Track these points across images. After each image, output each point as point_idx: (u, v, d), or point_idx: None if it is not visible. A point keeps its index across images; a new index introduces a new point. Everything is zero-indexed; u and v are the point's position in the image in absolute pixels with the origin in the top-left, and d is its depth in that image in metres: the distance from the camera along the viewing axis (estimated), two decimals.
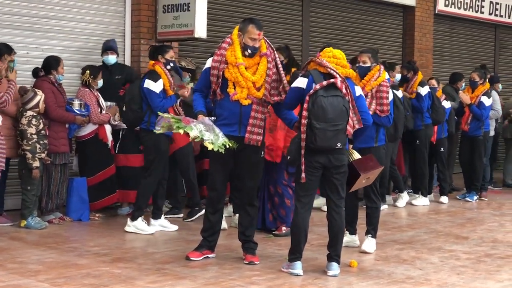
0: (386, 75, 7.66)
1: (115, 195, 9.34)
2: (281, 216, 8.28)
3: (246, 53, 6.68)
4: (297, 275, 6.33)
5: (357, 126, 6.51)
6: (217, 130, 6.47)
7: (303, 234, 6.42)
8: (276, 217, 8.32)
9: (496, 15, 16.60)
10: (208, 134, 6.42)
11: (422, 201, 11.15)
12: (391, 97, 7.60)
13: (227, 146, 6.46)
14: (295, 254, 6.42)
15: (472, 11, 15.99)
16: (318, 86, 6.22)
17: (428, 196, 11.40)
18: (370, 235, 7.56)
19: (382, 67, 7.62)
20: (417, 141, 11.03)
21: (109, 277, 6.13)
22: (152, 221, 8.44)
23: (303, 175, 6.32)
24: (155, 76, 8.21)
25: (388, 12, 14.70)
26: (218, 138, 6.44)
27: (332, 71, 6.36)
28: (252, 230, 7.05)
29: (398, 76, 11.62)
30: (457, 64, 15.39)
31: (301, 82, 6.42)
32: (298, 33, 12.88)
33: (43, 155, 8.29)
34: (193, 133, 6.40)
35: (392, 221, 9.53)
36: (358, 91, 6.71)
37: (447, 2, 15.36)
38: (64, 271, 6.27)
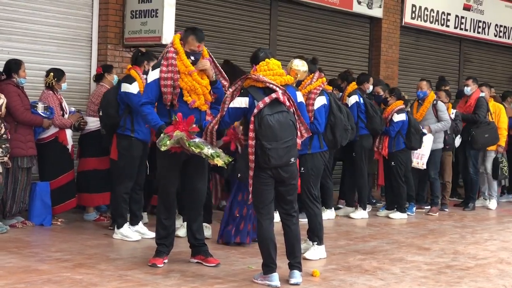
0: (318, 83, 7.54)
1: (74, 199, 9.27)
2: None
3: (189, 61, 6.73)
4: (276, 287, 6.25)
5: (305, 135, 6.50)
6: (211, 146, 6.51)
7: (271, 244, 6.30)
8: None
9: (461, 29, 16.80)
10: (215, 151, 6.43)
11: (360, 214, 10.75)
12: (318, 104, 7.46)
13: (227, 162, 6.48)
14: (268, 265, 6.31)
15: (438, 25, 16.17)
16: (261, 104, 6.07)
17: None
18: (316, 243, 7.50)
19: (316, 75, 7.58)
20: (353, 153, 10.73)
21: (70, 283, 6.08)
22: (130, 227, 8.39)
23: (250, 196, 6.30)
24: (130, 80, 8.21)
25: (356, 23, 14.81)
26: (219, 153, 6.43)
27: (271, 85, 6.23)
28: (203, 232, 7.15)
29: (370, 88, 11.61)
30: (422, 76, 15.52)
31: (241, 102, 6.26)
32: (265, 42, 12.89)
33: (5, 159, 8.19)
34: (206, 151, 6.36)
35: (355, 231, 9.58)
36: (300, 97, 6.61)
37: (413, 15, 15.51)
38: (25, 276, 6.21)
